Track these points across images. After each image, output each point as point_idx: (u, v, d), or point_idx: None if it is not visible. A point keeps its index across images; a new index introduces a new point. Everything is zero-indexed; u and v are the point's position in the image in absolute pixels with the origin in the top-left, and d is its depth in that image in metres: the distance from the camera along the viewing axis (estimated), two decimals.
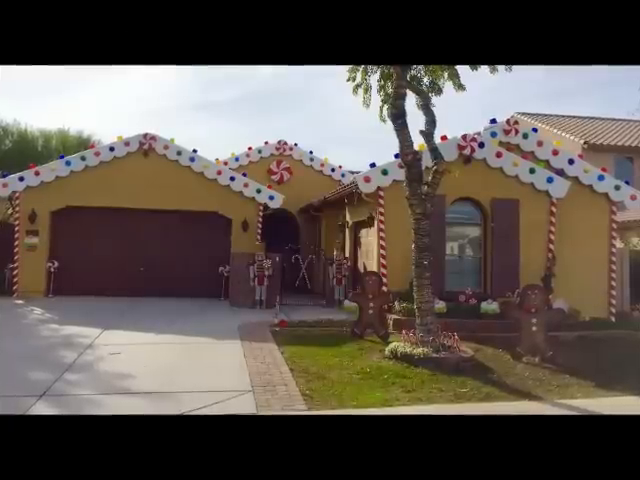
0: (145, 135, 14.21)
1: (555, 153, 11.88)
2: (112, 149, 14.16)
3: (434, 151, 8.25)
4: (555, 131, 19.22)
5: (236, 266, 12.83)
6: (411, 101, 8.48)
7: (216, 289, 13.71)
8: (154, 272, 13.88)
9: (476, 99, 55.01)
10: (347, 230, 13.63)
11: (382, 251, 10.92)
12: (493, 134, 11.71)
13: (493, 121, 12.03)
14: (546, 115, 21.89)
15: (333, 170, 18.99)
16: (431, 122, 8.26)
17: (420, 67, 8.46)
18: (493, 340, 8.74)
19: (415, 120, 9.06)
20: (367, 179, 11.00)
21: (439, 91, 8.57)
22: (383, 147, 36.62)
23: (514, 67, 7.80)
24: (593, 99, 53.80)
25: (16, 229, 13.59)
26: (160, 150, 14.25)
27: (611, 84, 53.08)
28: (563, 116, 21.94)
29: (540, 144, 11.94)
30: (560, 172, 11.65)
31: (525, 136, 11.93)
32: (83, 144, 23.66)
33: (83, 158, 14.01)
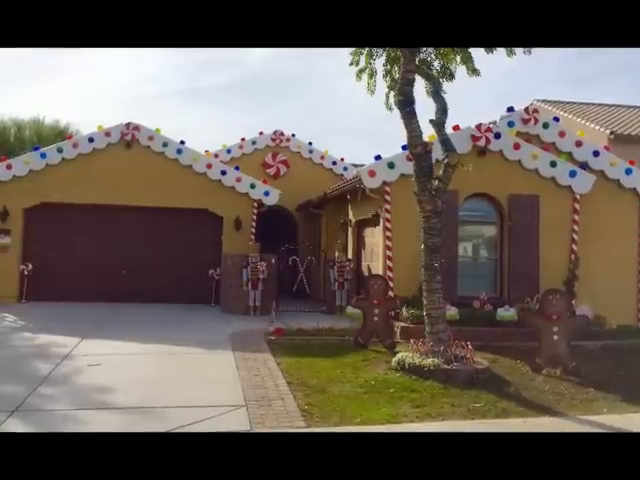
0: (128, 125, 14.22)
1: (578, 144, 11.88)
2: (91, 140, 14.17)
3: (445, 142, 8.25)
4: (578, 120, 19.20)
5: (228, 268, 12.82)
6: (420, 87, 8.47)
7: (206, 294, 13.72)
8: (138, 275, 13.87)
9: (491, 85, 55.04)
10: (350, 229, 13.63)
11: (388, 252, 10.92)
12: (510, 124, 11.70)
13: (510, 109, 12.04)
14: (568, 102, 21.83)
15: (334, 163, 19.01)
16: (442, 110, 8.25)
17: (430, 50, 8.45)
18: (510, 350, 8.75)
19: (425, 108, 9.06)
20: (372, 173, 11.00)
21: (451, 76, 8.56)
22: (389, 138, 36.60)
23: (533, 49, 7.77)
24: (618, 84, 53.80)
25: None
26: (144, 141, 14.27)
27: (637, 68, 53.09)
28: (587, 104, 21.88)
29: (562, 134, 11.95)
30: (584, 165, 11.65)
31: (545, 126, 11.94)
32: (60, 135, 23.67)
33: (60, 150, 14.03)
